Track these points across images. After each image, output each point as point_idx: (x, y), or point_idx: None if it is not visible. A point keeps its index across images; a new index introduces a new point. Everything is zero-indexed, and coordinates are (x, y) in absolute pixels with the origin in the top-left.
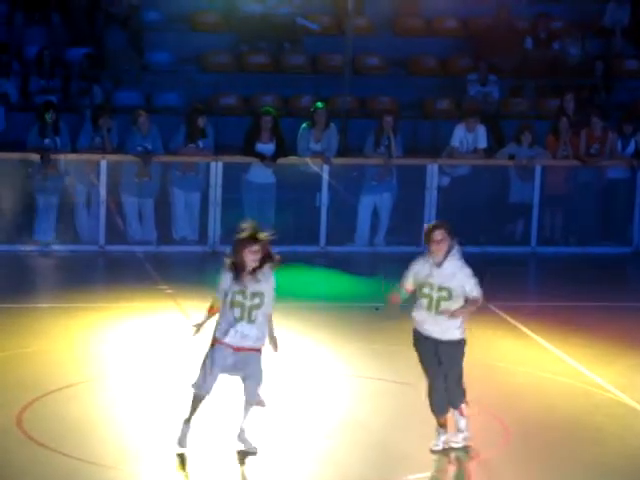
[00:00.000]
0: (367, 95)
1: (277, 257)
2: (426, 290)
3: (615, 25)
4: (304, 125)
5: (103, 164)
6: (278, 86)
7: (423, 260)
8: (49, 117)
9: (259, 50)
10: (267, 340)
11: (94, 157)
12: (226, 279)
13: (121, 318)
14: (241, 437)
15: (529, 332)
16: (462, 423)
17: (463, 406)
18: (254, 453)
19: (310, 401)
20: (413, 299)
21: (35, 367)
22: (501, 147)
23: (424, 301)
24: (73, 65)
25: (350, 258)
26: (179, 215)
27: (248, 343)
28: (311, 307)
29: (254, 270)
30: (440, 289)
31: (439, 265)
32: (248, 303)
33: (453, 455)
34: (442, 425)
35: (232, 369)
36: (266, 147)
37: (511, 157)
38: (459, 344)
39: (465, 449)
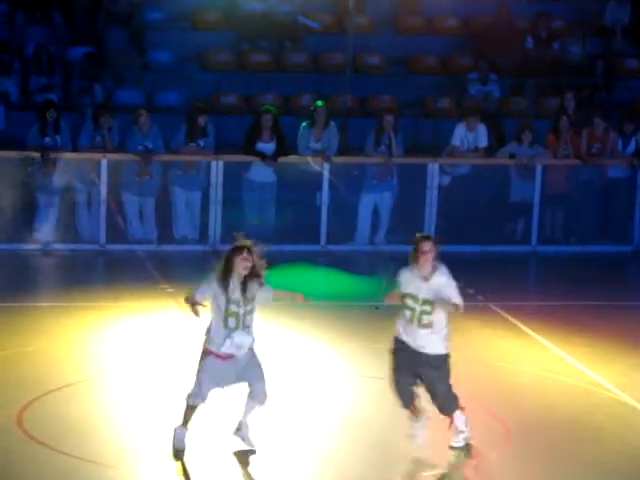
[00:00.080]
0: (368, 94)
1: (264, 267)
2: (410, 302)
3: (615, 24)
4: (304, 124)
5: (104, 163)
6: (279, 85)
7: (410, 272)
8: (50, 116)
9: (260, 49)
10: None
11: (95, 156)
12: (211, 284)
13: (122, 317)
14: (242, 433)
15: (529, 331)
16: (461, 423)
17: (458, 412)
18: (253, 452)
19: (311, 400)
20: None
21: (35, 366)
22: (502, 146)
23: (407, 313)
24: (74, 64)
25: (351, 257)
26: (180, 214)
27: (241, 353)
28: (311, 306)
29: (244, 279)
30: (424, 302)
31: (427, 279)
32: (242, 311)
33: (454, 455)
34: (413, 412)
35: (231, 381)
36: (267, 146)
37: (512, 156)
38: (443, 359)
39: (466, 448)
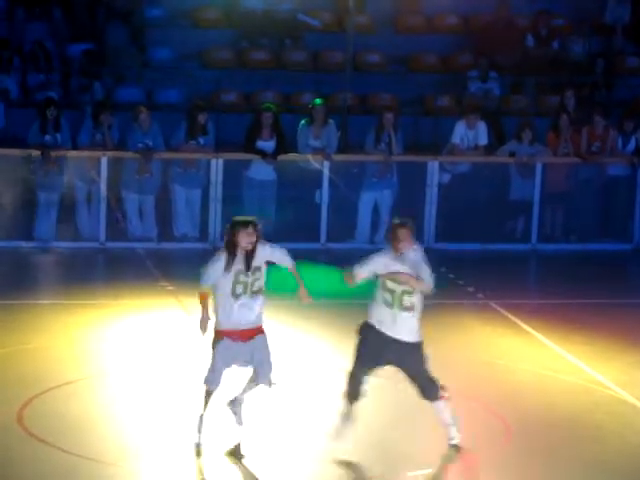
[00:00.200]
0: (368, 92)
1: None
2: (390, 284)
3: (616, 22)
4: (303, 122)
5: (104, 161)
6: (279, 83)
7: (385, 255)
8: (50, 113)
9: (260, 46)
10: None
11: (95, 154)
12: (220, 260)
13: (122, 315)
14: (234, 408)
15: (529, 329)
16: (447, 416)
17: (442, 404)
18: (239, 424)
19: (311, 399)
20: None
21: (35, 364)
22: (502, 144)
23: (387, 297)
24: (74, 61)
25: (351, 255)
26: (180, 212)
27: (252, 318)
28: (312, 304)
29: (248, 254)
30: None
31: (403, 259)
32: (250, 279)
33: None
34: (347, 412)
35: (240, 361)
36: (267, 144)
37: (512, 154)
38: (418, 346)
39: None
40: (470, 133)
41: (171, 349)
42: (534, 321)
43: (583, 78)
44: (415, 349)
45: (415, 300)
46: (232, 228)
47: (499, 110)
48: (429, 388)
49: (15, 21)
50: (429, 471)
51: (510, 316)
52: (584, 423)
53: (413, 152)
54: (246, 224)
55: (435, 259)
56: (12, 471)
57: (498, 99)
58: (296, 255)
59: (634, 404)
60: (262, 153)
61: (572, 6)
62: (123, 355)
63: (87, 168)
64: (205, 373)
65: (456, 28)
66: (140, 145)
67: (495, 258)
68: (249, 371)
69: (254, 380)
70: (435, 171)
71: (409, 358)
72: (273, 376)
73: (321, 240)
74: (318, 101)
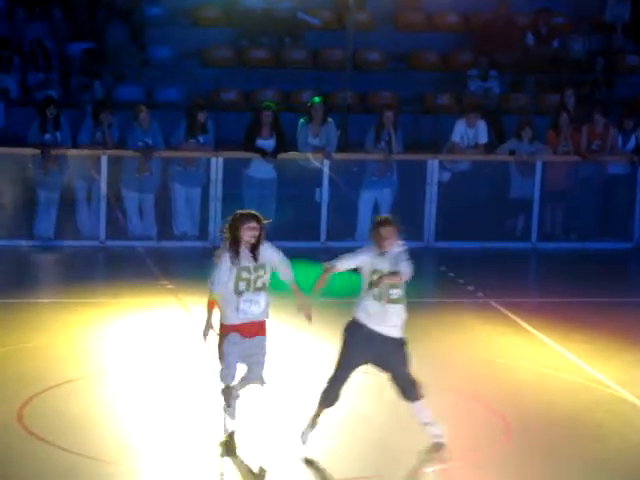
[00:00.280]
0: (368, 90)
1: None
2: (376, 277)
3: (616, 20)
4: (302, 120)
5: (104, 159)
6: (279, 81)
7: (371, 251)
8: (50, 112)
9: (260, 45)
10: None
11: (95, 152)
12: (224, 262)
13: (122, 314)
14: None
15: (529, 328)
16: (427, 415)
17: (421, 404)
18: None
19: (311, 398)
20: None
21: (35, 362)
22: (502, 142)
23: (375, 291)
24: (74, 60)
25: None
26: (180, 210)
27: (257, 311)
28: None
29: (252, 248)
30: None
31: (386, 252)
32: (253, 276)
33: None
34: (318, 416)
35: (245, 357)
36: (266, 143)
37: (512, 152)
38: (402, 344)
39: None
40: (470, 131)
41: (171, 348)
42: (534, 320)
43: (583, 76)
44: (400, 346)
45: (401, 292)
46: (235, 222)
47: (499, 108)
48: (409, 389)
49: (15, 20)
50: (430, 469)
51: (510, 315)
52: (584, 422)
53: (413, 150)
54: (249, 218)
55: (435, 258)
56: (12, 470)
57: (498, 97)
58: (296, 254)
59: (634, 402)
60: (262, 151)
61: (572, 4)
62: (123, 354)
63: (87, 167)
64: (219, 371)
65: (456, 26)
66: (140, 144)
67: (495, 256)
68: (243, 368)
69: (246, 378)
70: (435, 169)
71: (393, 357)
72: (265, 375)
73: (321, 239)
74: (317, 99)
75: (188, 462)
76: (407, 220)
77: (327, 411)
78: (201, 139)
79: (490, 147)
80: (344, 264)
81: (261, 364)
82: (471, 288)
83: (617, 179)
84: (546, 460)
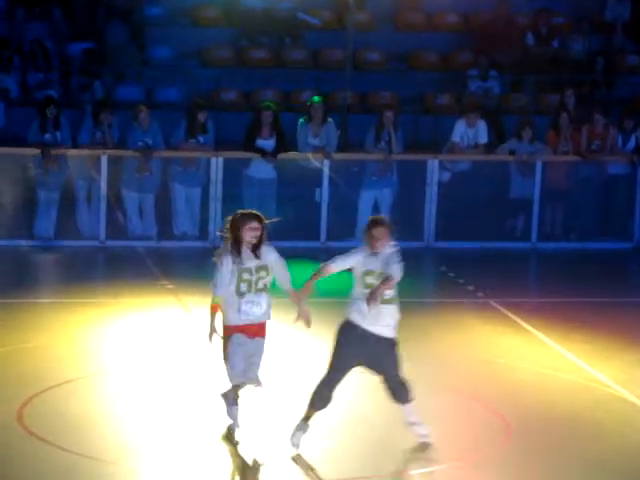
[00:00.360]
0: (368, 90)
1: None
2: (369, 279)
3: (616, 20)
4: (301, 120)
5: (104, 159)
6: (279, 81)
7: (363, 251)
8: (50, 112)
9: (260, 45)
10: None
11: (95, 152)
12: (225, 264)
13: (122, 314)
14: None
15: (529, 328)
16: (416, 416)
17: (410, 406)
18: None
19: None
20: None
21: (35, 362)
22: (502, 142)
23: (367, 293)
24: (74, 60)
25: None
26: (180, 210)
27: (259, 312)
28: (312, 303)
29: (253, 248)
30: (381, 275)
31: (379, 252)
32: (255, 277)
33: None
34: (308, 418)
35: (245, 357)
36: (266, 143)
37: (512, 152)
38: (394, 345)
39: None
40: (470, 131)
41: (171, 347)
42: (534, 320)
43: (583, 76)
44: (392, 347)
45: (394, 292)
46: (236, 222)
47: (499, 108)
48: (400, 391)
49: (15, 20)
50: (430, 469)
51: (510, 315)
52: (584, 421)
53: (413, 150)
54: (250, 218)
55: (435, 258)
56: (12, 470)
57: (498, 97)
58: (296, 254)
59: (634, 402)
60: (262, 151)
61: (572, 4)
62: (123, 354)
63: (87, 167)
64: (226, 373)
65: (456, 26)
66: (140, 144)
67: (495, 256)
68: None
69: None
70: (435, 169)
71: (386, 358)
72: (261, 377)
73: (321, 239)
74: (316, 98)
75: (188, 462)
76: (407, 220)
77: (318, 414)
78: (201, 139)
79: (490, 147)
80: (338, 265)
81: (257, 365)
82: (471, 288)
83: (617, 179)
84: (546, 460)
